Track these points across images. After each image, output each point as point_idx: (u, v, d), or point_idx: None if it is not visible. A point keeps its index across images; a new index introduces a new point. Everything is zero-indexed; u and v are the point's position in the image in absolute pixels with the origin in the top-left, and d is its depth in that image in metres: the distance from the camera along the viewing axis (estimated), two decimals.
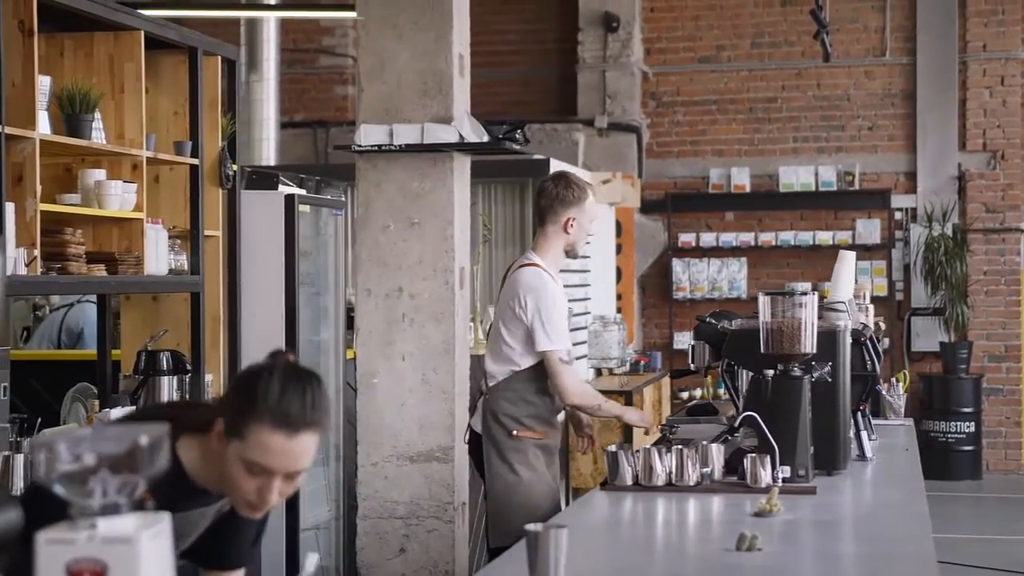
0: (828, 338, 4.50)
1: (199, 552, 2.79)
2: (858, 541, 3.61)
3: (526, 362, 5.01)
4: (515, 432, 5.01)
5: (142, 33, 5.04)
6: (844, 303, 5.07)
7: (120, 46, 5.00)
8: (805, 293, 4.40)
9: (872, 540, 3.57)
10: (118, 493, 1.71)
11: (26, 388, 6.28)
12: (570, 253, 5.16)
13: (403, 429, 5.61)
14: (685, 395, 11.74)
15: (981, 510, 11.34)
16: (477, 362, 7.20)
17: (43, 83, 4.54)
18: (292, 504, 6.09)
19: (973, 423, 12.15)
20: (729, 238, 12.78)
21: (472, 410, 5.29)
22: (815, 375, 4.43)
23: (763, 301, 4.38)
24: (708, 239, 12.80)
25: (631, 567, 3.20)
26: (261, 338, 6.01)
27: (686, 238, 12.85)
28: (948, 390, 12.17)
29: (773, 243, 12.68)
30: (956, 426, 12.12)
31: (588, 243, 5.33)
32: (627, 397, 8.93)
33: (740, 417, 4.37)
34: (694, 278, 12.82)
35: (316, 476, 6.59)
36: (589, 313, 10.03)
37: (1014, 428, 12.53)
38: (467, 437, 5.28)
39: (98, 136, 4.83)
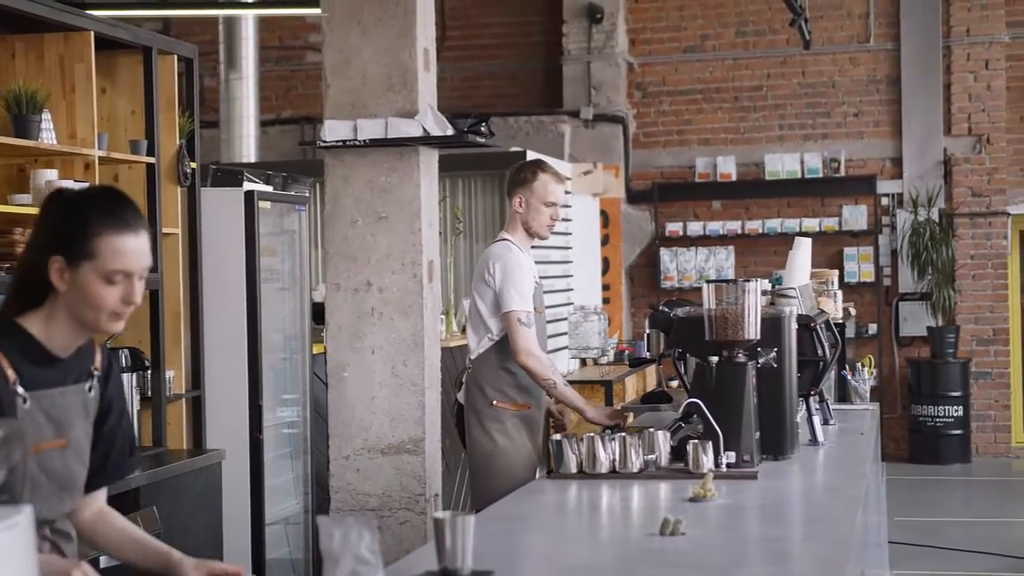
0: (773, 324, 4.53)
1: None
2: (781, 524, 3.64)
3: (498, 328, 5.26)
4: (495, 402, 5.24)
5: (91, 34, 5.07)
6: (795, 289, 5.10)
7: (70, 47, 5.04)
8: (748, 280, 4.43)
9: (797, 523, 3.61)
10: None
11: None
12: (530, 232, 5.39)
13: (374, 422, 5.64)
14: (675, 383, 11.74)
15: (970, 493, 11.37)
16: (449, 354, 7.26)
17: None
18: (257, 497, 6.13)
19: (962, 407, 12.17)
20: (716, 227, 12.80)
21: (458, 385, 5.49)
22: (760, 361, 4.46)
23: (706, 289, 4.41)
24: (695, 228, 12.83)
25: (548, 553, 3.23)
26: (223, 334, 6.06)
27: (673, 227, 12.88)
28: (936, 374, 12.19)
29: (760, 231, 12.70)
30: (945, 410, 12.14)
31: (551, 226, 5.42)
32: (607, 387, 8.96)
33: (684, 403, 4.40)
34: (682, 267, 12.84)
35: (284, 469, 6.63)
36: (571, 304, 10.07)
37: (1003, 411, 12.55)
38: (454, 410, 5.50)
39: (48, 136, 4.86)
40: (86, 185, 2.78)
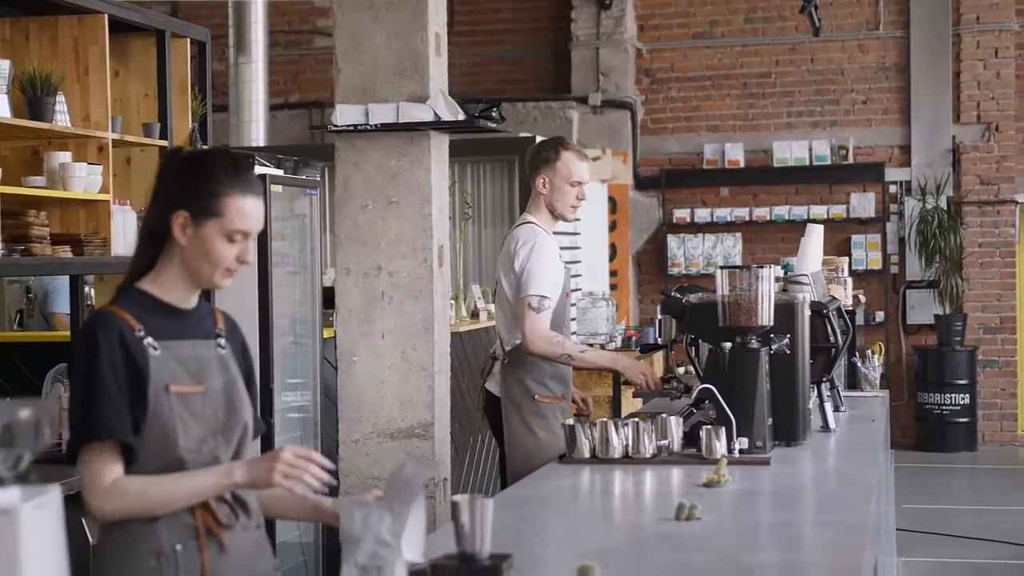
0: (786, 310, 4.53)
1: None
2: (797, 510, 3.65)
3: None
4: (537, 396, 5.11)
5: (105, 16, 5.06)
6: (807, 276, 5.10)
7: (84, 29, 5.03)
8: (762, 267, 4.43)
9: (811, 509, 3.61)
10: (1, 466, 1.75)
11: (13, 369, 6.35)
12: (554, 213, 5.25)
13: (383, 406, 5.63)
14: (681, 370, 11.74)
15: (976, 481, 11.38)
16: (458, 339, 7.25)
17: (2, 66, 4.58)
18: None
19: (968, 395, 12.18)
20: (724, 213, 12.80)
21: (484, 374, 5.35)
22: (773, 347, 4.46)
23: (720, 275, 4.41)
24: (703, 215, 12.82)
25: (565, 538, 3.24)
26: (235, 316, 6.05)
27: (681, 214, 12.88)
28: (943, 362, 12.19)
29: (768, 218, 12.70)
30: (951, 398, 12.14)
31: (576, 207, 5.31)
32: (616, 372, 8.95)
33: (697, 389, 4.41)
34: (689, 254, 12.85)
35: None
36: (580, 289, 10.06)
37: (1009, 399, 12.55)
38: (481, 402, 5.37)
39: (62, 119, 4.86)
40: (182, 150, 2.92)
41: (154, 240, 2.84)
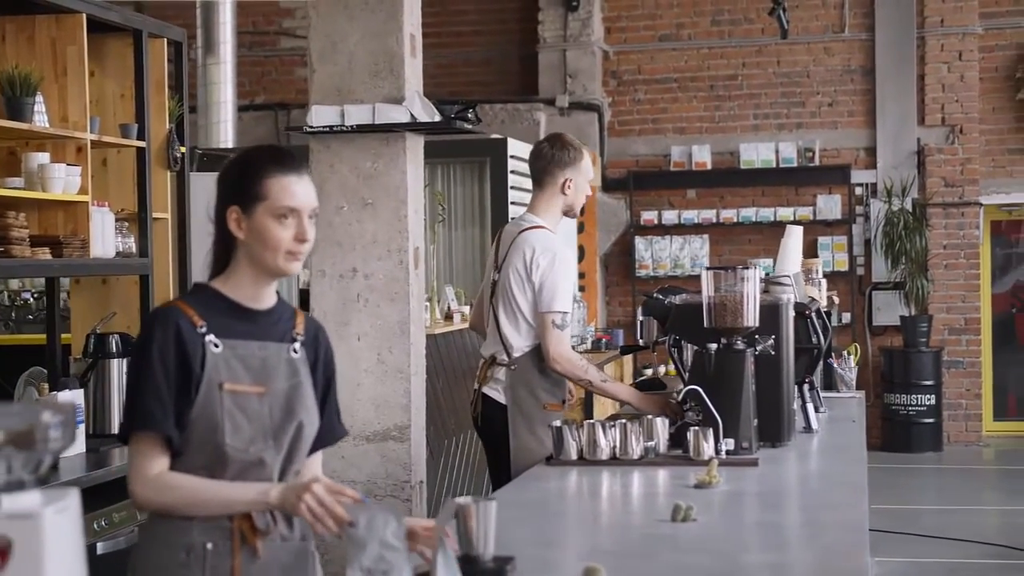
0: (771, 312, 4.54)
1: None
2: (791, 510, 3.66)
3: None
4: (547, 405, 4.96)
5: (84, 16, 5.01)
6: (789, 277, 5.11)
7: (62, 29, 4.97)
8: (747, 268, 4.43)
9: (805, 509, 3.61)
10: (23, 469, 1.72)
11: None
12: (568, 213, 5.08)
13: (359, 409, 5.62)
14: (649, 372, 11.78)
15: (942, 481, 11.45)
16: (432, 341, 7.22)
17: None
18: None
19: (934, 396, 12.26)
20: (691, 215, 12.83)
21: (481, 378, 5.10)
22: (758, 348, 4.47)
23: (705, 276, 4.42)
24: (670, 217, 12.85)
25: (562, 539, 3.23)
26: None
27: (648, 216, 12.90)
28: (909, 363, 12.27)
29: (735, 220, 12.74)
30: (917, 399, 12.22)
31: (583, 205, 5.19)
32: None
33: (683, 391, 4.40)
34: (656, 256, 12.87)
35: None
36: None
37: (974, 400, 12.64)
38: (478, 406, 5.10)
39: (41, 119, 4.81)
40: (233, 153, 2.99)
41: (223, 246, 2.90)
